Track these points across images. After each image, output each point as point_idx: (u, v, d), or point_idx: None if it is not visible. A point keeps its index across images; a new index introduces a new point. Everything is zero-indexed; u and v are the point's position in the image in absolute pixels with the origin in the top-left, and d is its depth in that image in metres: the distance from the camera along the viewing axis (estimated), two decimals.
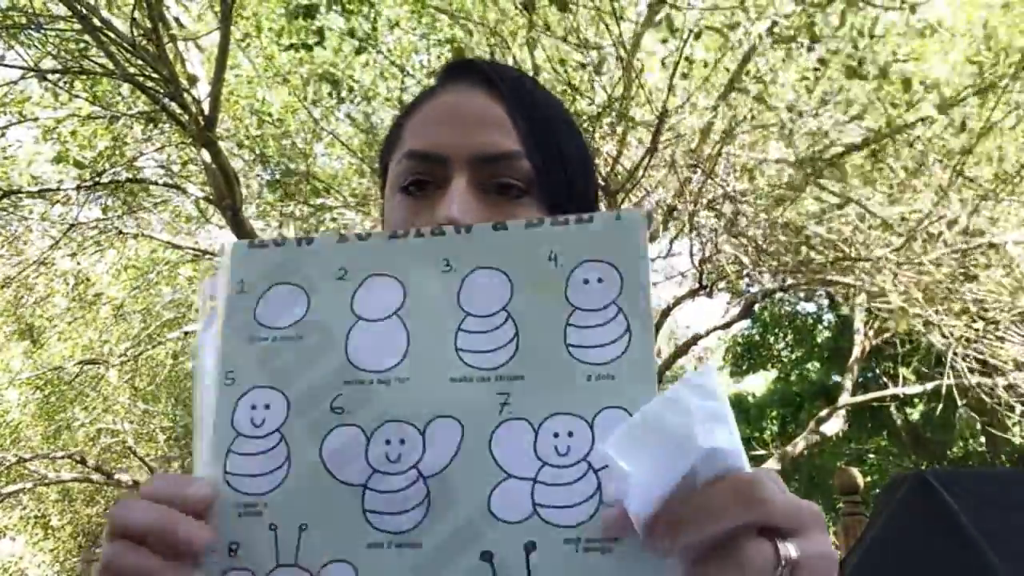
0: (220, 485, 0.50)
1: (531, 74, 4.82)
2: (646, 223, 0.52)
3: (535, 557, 0.47)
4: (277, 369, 0.52)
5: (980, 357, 5.69)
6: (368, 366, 0.51)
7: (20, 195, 5.92)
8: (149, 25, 3.99)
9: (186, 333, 8.63)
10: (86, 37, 4.24)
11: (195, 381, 0.54)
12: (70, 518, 11.07)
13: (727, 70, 4.77)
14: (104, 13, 4.09)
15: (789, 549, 0.45)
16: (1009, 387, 5.81)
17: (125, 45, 4.05)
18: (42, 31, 4.55)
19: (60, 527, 11.15)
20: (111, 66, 4.24)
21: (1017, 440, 7.41)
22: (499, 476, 0.49)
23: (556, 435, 0.49)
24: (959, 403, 6.16)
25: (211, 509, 0.50)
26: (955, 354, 5.55)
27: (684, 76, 4.50)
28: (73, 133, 6.20)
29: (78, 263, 7.40)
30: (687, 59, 4.33)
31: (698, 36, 4.29)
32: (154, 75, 4.15)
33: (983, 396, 6.06)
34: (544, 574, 0.47)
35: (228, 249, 0.56)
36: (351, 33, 4.88)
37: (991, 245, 5.13)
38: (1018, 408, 5.89)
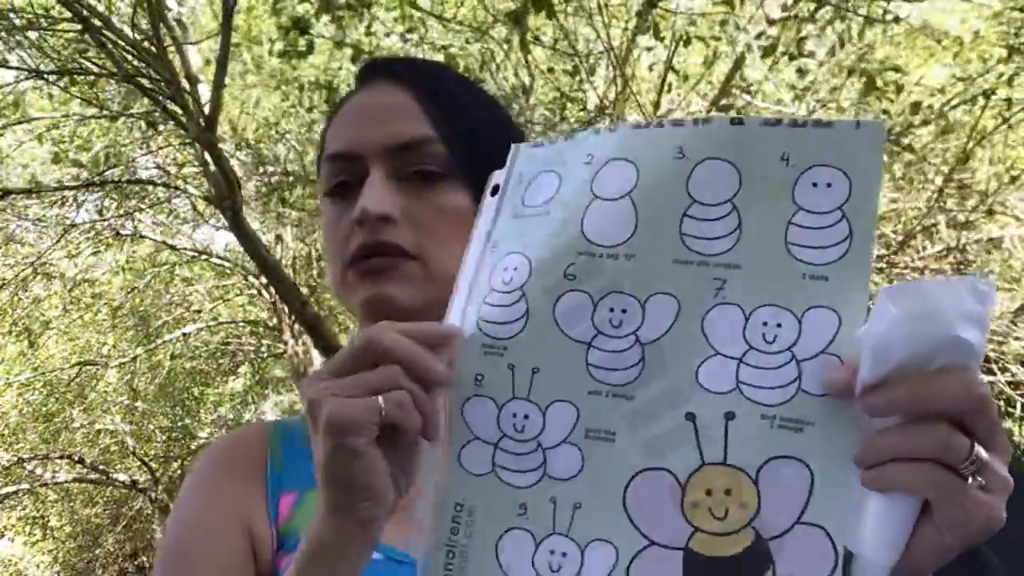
0: (473, 327, 0.58)
1: (525, 81, 4.84)
2: (883, 134, 0.53)
3: (733, 425, 0.52)
4: (527, 237, 0.59)
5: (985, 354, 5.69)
6: (599, 240, 0.56)
7: (17, 195, 5.90)
8: (149, 26, 3.98)
9: (184, 334, 8.62)
10: (86, 38, 4.22)
11: (469, 247, 0.62)
12: (69, 518, 11.05)
13: (710, 83, 4.78)
14: (104, 13, 4.08)
15: (982, 453, 0.47)
16: (1012, 384, 5.81)
17: (125, 45, 4.04)
18: (42, 32, 4.53)
19: (59, 527, 11.14)
20: (111, 67, 4.22)
21: (1017, 439, 7.42)
22: (708, 352, 0.53)
23: (765, 324, 0.52)
24: None
25: (458, 347, 0.58)
26: None
27: (669, 89, 4.51)
28: (72, 135, 6.18)
29: (75, 264, 7.39)
30: (674, 69, 4.35)
31: (687, 43, 4.30)
32: (154, 76, 4.14)
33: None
34: (739, 440, 0.51)
35: (513, 151, 0.63)
36: (338, 45, 4.88)
37: (990, 240, 5.14)
38: (1019, 402, 5.89)
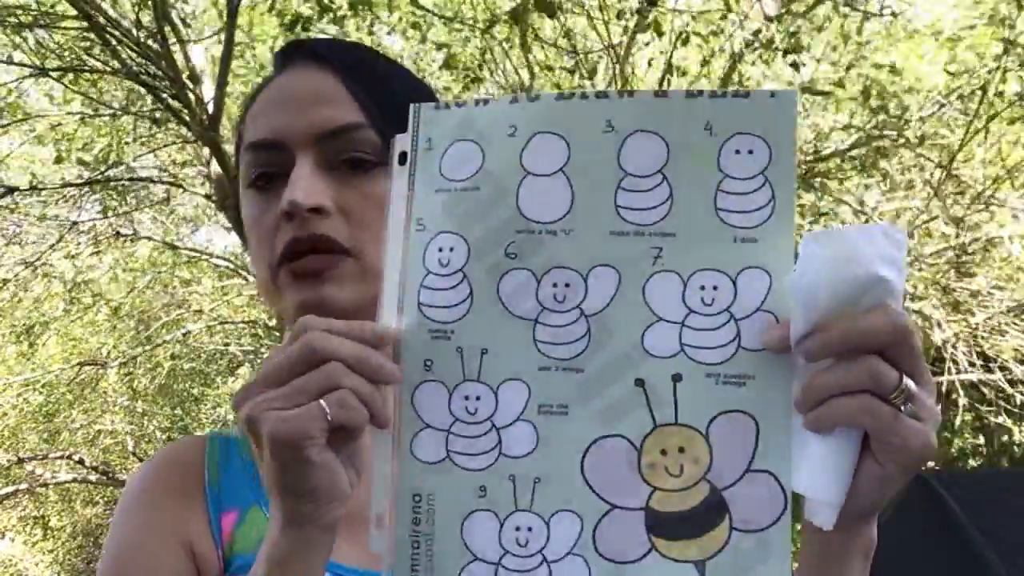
0: (415, 312, 0.58)
1: (526, 78, 4.86)
2: (796, 101, 0.56)
3: (681, 386, 0.55)
4: (459, 216, 0.59)
5: (980, 351, 5.70)
6: (537, 218, 0.57)
7: (20, 192, 5.90)
8: (154, 24, 3.99)
9: (184, 334, 8.62)
10: (91, 35, 4.23)
11: (386, 227, 0.60)
12: (69, 518, 11.04)
13: (707, 80, 4.80)
14: (110, 12, 4.09)
15: (910, 384, 0.50)
16: (1012, 382, 5.81)
17: (129, 43, 4.05)
18: (47, 29, 4.54)
19: (59, 528, 11.12)
20: (115, 64, 4.24)
21: (1017, 438, 7.42)
22: (651, 318, 0.56)
23: (703, 287, 0.55)
24: (960, 401, 6.16)
25: (399, 338, 0.58)
26: (955, 348, 5.56)
27: (669, 86, 4.53)
28: (73, 134, 6.19)
29: (74, 264, 7.38)
30: (673, 68, 4.37)
31: (685, 41, 4.33)
32: (158, 74, 4.15)
33: (984, 393, 6.07)
34: (688, 399, 0.55)
35: (415, 111, 0.61)
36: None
37: (988, 240, 5.16)
38: (1018, 399, 5.89)
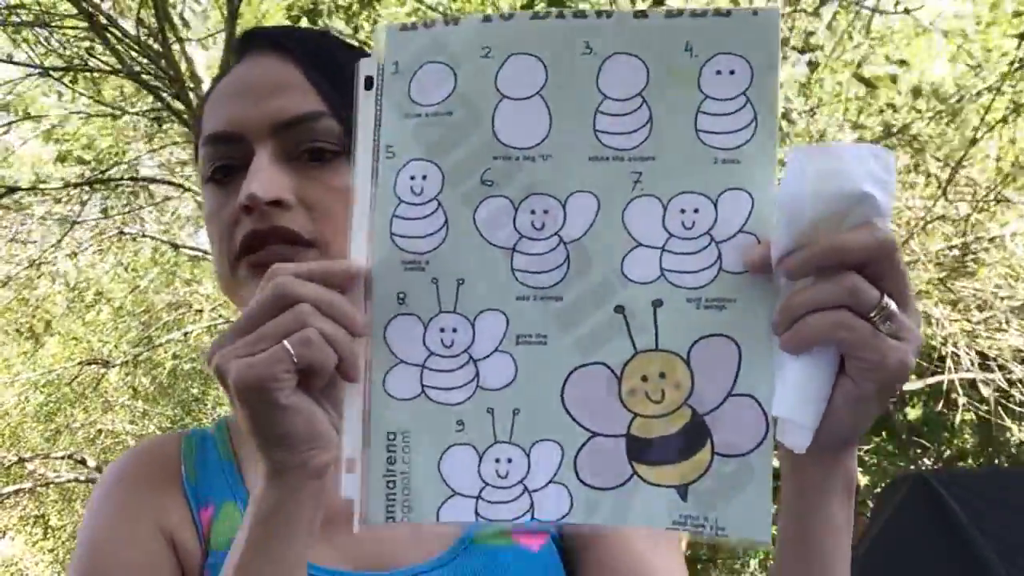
0: (387, 243, 0.56)
1: None
2: (779, 19, 0.55)
3: (661, 312, 0.54)
4: (432, 143, 0.57)
5: (980, 350, 5.70)
6: (514, 143, 0.56)
7: (21, 191, 5.91)
8: (155, 24, 4.00)
9: (186, 334, 8.62)
10: (92, 35, 4.24)
11: (353, 154, 0.58)
12: (69, 518, 11.04)
13: None
14: (111, 12, 4.10)
15: (890, 303, 0.49)
16: (1011, 382, 5.80)
17: (130, 43, 4.06)
18: (48, 28, 4.55)
19: (59, 527, 11.12)
20: (116, 64, 4.24)
21: (1017, 438, 7.41)
22: (631, 244, 0.55)
23: (683, 211, 0.54)
24: (960, 400, 6.15)
25: (370, 272, 0.56)
26: (955, 346, 5.55)
27: None
28: (75, 133, 6.20)
29: (76, 264, 7.39)
30: None
31: None
32: (159, 73, 4.16)
33: (984, 393, 6.06)
34: (669, 325, 0.54)
35: (381, 32, 0.59)
36: (354, 34, 4.90)
37: (990, 240, 5.15)
38: (1018, 398, 5.88)
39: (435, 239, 0.56)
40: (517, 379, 0.55)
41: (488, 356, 0.56)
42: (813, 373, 0.51)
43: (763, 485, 0.52)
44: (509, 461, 0.55)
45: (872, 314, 0.49)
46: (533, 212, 0.56)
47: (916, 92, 4.49)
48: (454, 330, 0.56)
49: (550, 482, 0.55)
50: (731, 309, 0.53)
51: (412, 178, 0.57)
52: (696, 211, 0.54)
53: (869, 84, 4.50)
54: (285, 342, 0.51)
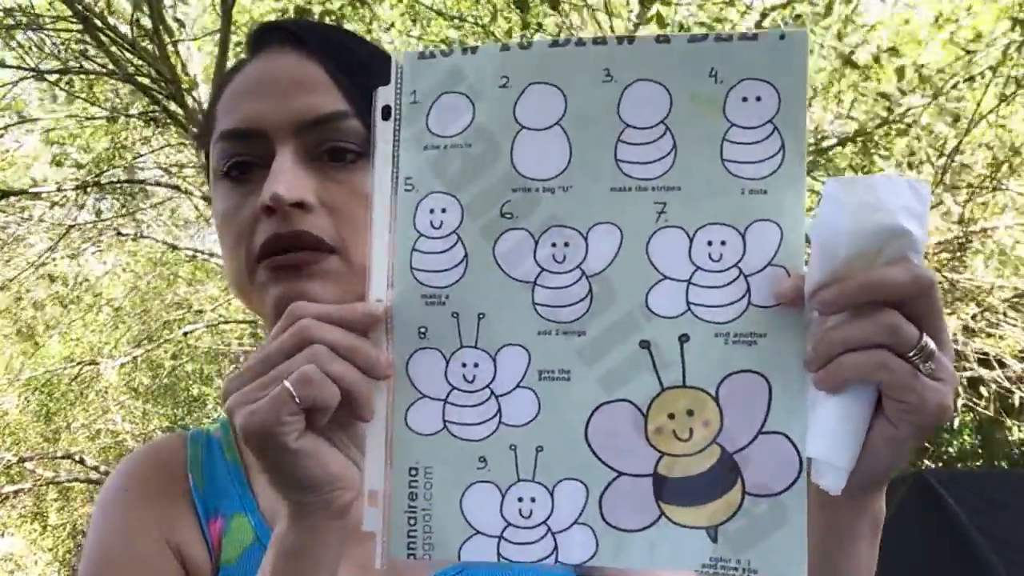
0: (408, 277, 0.56)
1: None
2: (807, 43, 0.53)
3: (688, 347, 0.53)
4: (451, 175, 0.56)
5: (979, 349, 5.68)
6: (534, 175, 0.55)
7: (18, 195, 5.90)
8: (150, 25, 3.99)
9: (185, 334, 8.62)
10: (86, 37, 4.23)
11: (372, 184, 0.57)
12: (68, 517, 11.06)
13: None
14: (105, 14, 4.08)
15: (930, 342, 0.47)
16: (1011, 380, 5.79)
17: (125, 45, 4.04)
18: (42, 31, 4.53)
19: (59, 525, 11.14)
20: (111, 66, 4.23)
21: (1016, 438, 7.41)
22: (656, 277, 0.53)
23: (710, 243, 0.53)
24: (959, 400, 6.15)
25: (392, 309, 0.56)
26: (954, 343, 5.53)
27: None
28: (72, 136, 6.19)
29: (78, 265, 7.39)
30: None
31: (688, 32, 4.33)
32: (154, 75, 4.14)
33: (984, 391, 6.05)
34: (696, 360, 0.52)
35: (398, 61, 0.57)
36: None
37: (984, 231, 5.14)
38: (1017, 395, 5.87)
39: (455, 273, 0.55)
40: (540, 415, 0.54)
41: (510, 392, 0.55)
42: (849, 413, 0.50)
43: (797, 526, 0.51)
44: (532, 500, 0.54)
45: (912, 354, 0.47)
46: (554, 245, 0.54)
47: (900, 73, 4.46)
48: (476, 365, 0.55)
49: (574, 523, 0.54)
50: (761, 344, 0.52)
51: (431, 211, 0.56)
52: (723, 243, 0.52)
53: (854, 65, 4.49)
54: (286, 382, 0.50)
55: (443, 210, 0.56)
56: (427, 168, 0.56)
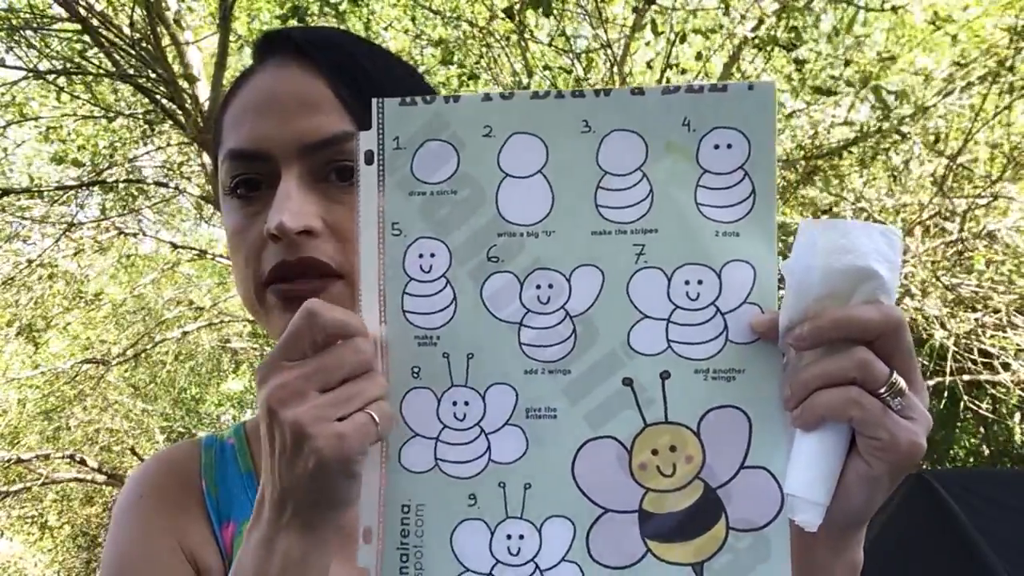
0: (400, 320, 0.58)
1: (524, 76, 4.85)
2: (774, 94, 0.56)
3: (670, 384, 0.55)
4: (438, 221, 0.58)
5: (983, 348, 5.68)
6: (518, 220, 0.57)
7: (19, 194, 5.90)
8: (148, 26, 3.98)
9: (185, 333, 8.62)
10: (85, 37, 4.22)
11: (357, 229, 0.59)
12: (68, 518, 11.05)
13: (707, 77, 4.80)
14: (103, 13, 4.08)
15: (900, 380, 0.49)
16: (1013, 382, 5.78)
17: (124, 45, 4.04)
18: (41, 32, 4.53)
19: (58, 527, 11.14)
20: (110, 66, 4.23)
21: (1018, 439, 7.41)
22: (636, 316, 0.55)
23: (687, 282, 0.55)
24: (961, 400, 6.14)
25: (387, 345, 0.58)
26: (955, 346, 5.54)
27: (668, 82, 4.53)
28: (73, 133, 6.18)
29: (79, 264, 7.39)
30: (670, 66, 4.37)
31: (683, 39, 4.33)
32: (153, 75, 4.14)
33: (986, 392, 6.05)
34: (677, 397, 0.54)
35: (379, 107, 0.59)
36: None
37: (989, 234, 5.14)
38: (1016, 395, 5.86)
39: (445, 315, 0.57)
40: (528, 453, 0.56)
41: (499, 429, 0.56)
42: (825, 449, 0.51)
43: (782, 559, 0.52)
44: (520, 538, 0.56)
45: (882, 391, 0.49)
46: (539, 287, 0.57)
47: (884, 59, 4.47)
48: (466, 403, 0.57)
49: (562, 560, 0.55)
50: (739, 380, 0.54)
51: (421, 256, 0.58)
52: (700, 282, 0.55)
53: (828, 93, 4.50)
54: (374, 414, 0.53)
55: (432, 254, 0.58)
56: (415, 213, 0.58)
